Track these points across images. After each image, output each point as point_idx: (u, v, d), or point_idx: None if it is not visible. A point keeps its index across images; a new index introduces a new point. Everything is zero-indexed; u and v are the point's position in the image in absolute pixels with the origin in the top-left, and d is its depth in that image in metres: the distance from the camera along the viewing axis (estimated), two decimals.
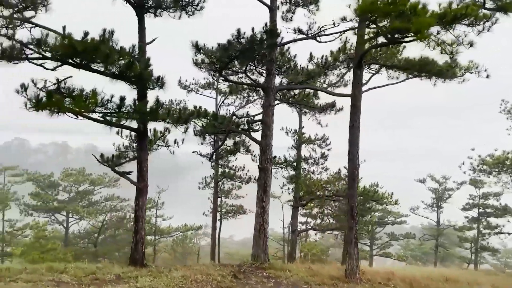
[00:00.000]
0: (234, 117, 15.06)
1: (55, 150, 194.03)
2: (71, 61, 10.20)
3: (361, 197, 26.85)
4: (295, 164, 27.09)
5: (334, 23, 13.08)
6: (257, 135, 15.39)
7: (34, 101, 8.53)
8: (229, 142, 22.70)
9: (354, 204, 11.70)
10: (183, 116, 11.02)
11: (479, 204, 42.07)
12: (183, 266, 11.77)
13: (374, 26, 10.58)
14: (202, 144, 28.48)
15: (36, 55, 9.85)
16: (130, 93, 11.73)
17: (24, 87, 8.77)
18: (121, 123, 10.55)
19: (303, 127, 27.29)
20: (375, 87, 15.83)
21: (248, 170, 28.71)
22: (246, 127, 15.77)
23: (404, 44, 11.54)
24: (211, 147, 29.13)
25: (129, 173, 12.95)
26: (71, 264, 10.77)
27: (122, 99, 9.72)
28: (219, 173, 28.06)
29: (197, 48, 11.94)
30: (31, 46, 9.27)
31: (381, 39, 10.60)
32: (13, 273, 9.28)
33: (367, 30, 11.39)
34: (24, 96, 8.94)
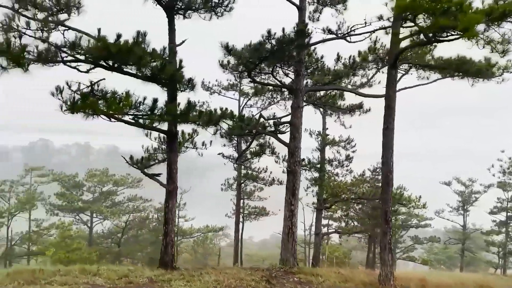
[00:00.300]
0: (262, 118, 14.87)
1: (78, 150, 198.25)
2: (104, 64, 10.24)
3: None
4: (319, 166, 26.74)
5: (365, 22, 12.74)
6: (284, 137, 15.20)
7: (69, 103, 8.55)
8: (252, 144, 22.54)
9: (388, 208, 11.36)
10: (214, 118, 10.90)
11: (507, 207, 40.81)
12: (213, 269, 11.64)
13: (410, 24, 10.23)
14: (224, 145, 28.61)
15: (70, 58, 9.91)
16: (159, 95, 11.70)
17: (59, 90, 8.81)
18: (154, 125, 10.50)
19: (327, 128, 26.95)
20: (405, 88, 15.43)
21: (271, 172, 28.53)
22: (272, 128, 15.57)
23: (435, 43, 11.06)
24: (234, 149, 29.06)
25: (158, 175, 12.90)
26: (103, 266, 10.78)
27: (155, 101, 9.66)
28: (242, 174, 27.93)
29: (227, 49, 11.82)
30: (65, 49, 9.29)
31: (412, 38, 10.20)
32: (47, 275, 9.32)
33: (401, 29, 11.04)
34: (59, 99, 8.98)
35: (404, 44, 11.29)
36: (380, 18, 10.99)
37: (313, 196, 28.37)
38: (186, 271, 10.74)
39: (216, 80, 28.23)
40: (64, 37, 10.13)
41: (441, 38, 8.67)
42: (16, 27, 9.32)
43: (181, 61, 10.25)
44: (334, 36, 13.89)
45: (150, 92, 11.15)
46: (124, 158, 12.95)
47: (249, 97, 27.22)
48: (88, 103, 8.54)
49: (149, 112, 9.75)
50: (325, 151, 26.83)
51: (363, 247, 42.62)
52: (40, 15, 10.05)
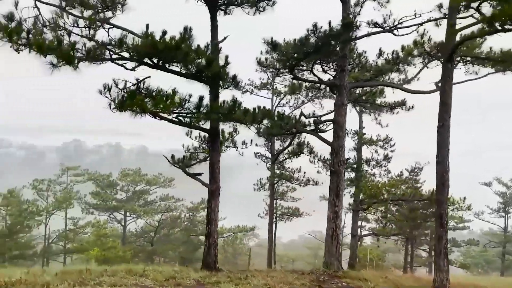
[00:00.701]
0: (302, 117, 14.41)
1: (109, 151, 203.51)
2: (148, 62, 10.08)
3: (426, 201, 25.36)
4: (355, 166, 26.05)
5: (415, 14, 12.08)
6: (326, 136, 14.70)
7: (118, 101, 8.40)
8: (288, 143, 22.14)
9: (444, 211, 10.67)
10: (258, 117, 10.55)
11: None
12: (257, 271, 11.32)
13: (468, 14, 9.54)
14: (256, 145, 28.24)
15: (114, 56, 9.80)
16: (199, 93, 11.44)
17: (108, 88, 8.69)
18: (198, 123, 10.26)
19: (363, 127, 26.18)
20: (457, 83, 14.60)
21: (304, 172, 27.98)
22: (312, 127, 15.08)
23: (502, 32, 10.22)
24: (266, 148, 28.69)
25: (199, 174, 12.72)
26: (148, 267, 10.65)
27: (201, 99, 9.39)
28: (275, 175, 27.47)
29: (272, 45, 11.41)
30: (110, 47, 9.17)
31: (483, 26, 9.44)
32: (95, 275, 9.23)
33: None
34: (106, 97, 8.86)
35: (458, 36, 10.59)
36: (440, 6, 10.32)
37: (351, 197, 27.76)
38: (231, 273, 10.45)
39: (249, 79, 27.94)
40: (108, 35, 10.07)
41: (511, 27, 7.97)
42: (63, 25, 9.30)
43: (227, 57, 9.93)
44: (380, 29, 13.28)
45: (191, 90, 10.94)
46: (165, 157, 12.83)
47: (283, 96, 26.75)
48: (136, 101, 8.35)
49: (194, 110, 9.48)
50: (361, 151, 26.11)
51: (399, 250, 41.36)
52: (86, 13, 10.02)
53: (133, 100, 8.37)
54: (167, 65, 10.23)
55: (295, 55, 11.24)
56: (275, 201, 29.27)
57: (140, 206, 41.66)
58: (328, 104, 27.12)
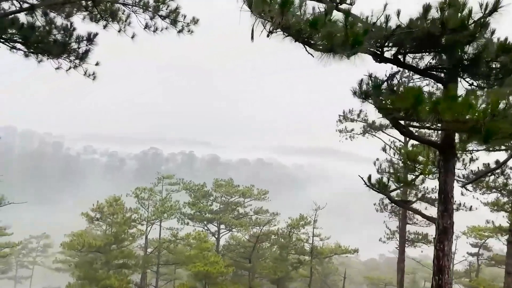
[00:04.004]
0: None
1: (183, 159, 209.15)
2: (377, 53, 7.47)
3: None
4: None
5: None
6: None
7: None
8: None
9: None
10: None
11: None
12: None
13: None
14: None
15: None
16: None
17: (373, 84, 6.12)
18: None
19: None
20: None
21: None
22: None
23: None
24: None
25: (409, 202, 9.95)
26: None
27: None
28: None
29: None
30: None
31: None
32: None
33: None
34: (363, 98, 6.30)
35: None
36: None
37: (506, 221, 23.56)
38: None
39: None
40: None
41: None
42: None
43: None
44: None
45: None
46: (361, 178, 10.13)
47: None
48: (429, 107, 5.66)
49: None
50: None
51: None
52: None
53: (424, 105, 5.67)
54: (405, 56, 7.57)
55: None
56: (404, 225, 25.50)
57: (234, 218, 39.99)
58: None
